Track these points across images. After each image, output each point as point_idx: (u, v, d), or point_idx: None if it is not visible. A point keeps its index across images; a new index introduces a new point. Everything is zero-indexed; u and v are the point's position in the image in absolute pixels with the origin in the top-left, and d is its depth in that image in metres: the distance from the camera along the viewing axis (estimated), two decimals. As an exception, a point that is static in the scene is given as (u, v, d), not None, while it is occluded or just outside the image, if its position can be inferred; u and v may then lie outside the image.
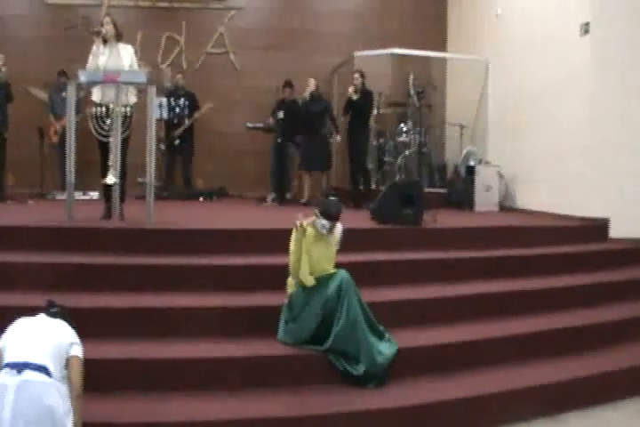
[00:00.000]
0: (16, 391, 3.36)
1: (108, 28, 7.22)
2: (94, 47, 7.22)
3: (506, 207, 10.46)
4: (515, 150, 10.46)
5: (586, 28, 8.65)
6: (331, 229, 5.30)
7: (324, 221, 5.22)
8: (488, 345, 5.54)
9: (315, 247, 5.24)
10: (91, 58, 7.20)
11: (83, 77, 6.92)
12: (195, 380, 4.74)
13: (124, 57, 7.22)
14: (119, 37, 7.33)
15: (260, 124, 11.26)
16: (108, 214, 7.33)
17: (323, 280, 5.14)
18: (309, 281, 5.13)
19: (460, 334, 5.58)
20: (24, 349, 3.57)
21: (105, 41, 7.21)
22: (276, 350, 5.04)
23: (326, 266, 5.28)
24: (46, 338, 3.67)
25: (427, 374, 5.12)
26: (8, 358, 3.54)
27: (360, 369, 4.91)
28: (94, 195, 10.22)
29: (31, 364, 3.48)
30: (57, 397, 3.45)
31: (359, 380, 4.91)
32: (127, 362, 4.73)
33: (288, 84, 11.01)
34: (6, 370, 3.46)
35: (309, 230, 5.24)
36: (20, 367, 3.45)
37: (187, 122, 11.30)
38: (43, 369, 3.49)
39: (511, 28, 10.76)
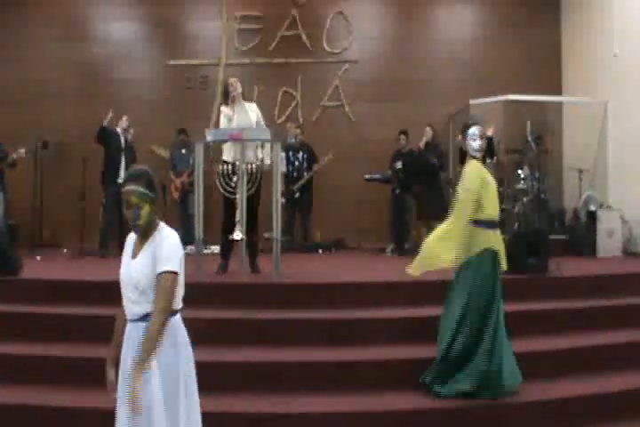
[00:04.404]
0: None
1: (239, 88, 7.42)
2: (224, 108, 7.45)
3: (630, 252, 10.19)
4: (637, 193, 10.23)
5: None
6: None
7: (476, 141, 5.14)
8: (621, 400, 5.41)
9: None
10: (223, 119, 7.42)
11: (209, 137, 7.17)
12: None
13: (250, 114, 7.42)
14: (243, 95, 7.55)
15: (378, 176, 11.31)
16: (222, 269, 7.54)
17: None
18: None
19: (589, 388, 5.47)
20: None
21: (233, 101, 7.43)
22: (409, 403, 5.05)
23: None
24: None
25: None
26: None
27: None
28: (215, 248, 10.45)
29: None
30: None
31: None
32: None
33: (404, 133, 11.00)
34: None
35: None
36: None
37: (306, 175, 11.50)
38: None
39: (630, 68, 10.57)
